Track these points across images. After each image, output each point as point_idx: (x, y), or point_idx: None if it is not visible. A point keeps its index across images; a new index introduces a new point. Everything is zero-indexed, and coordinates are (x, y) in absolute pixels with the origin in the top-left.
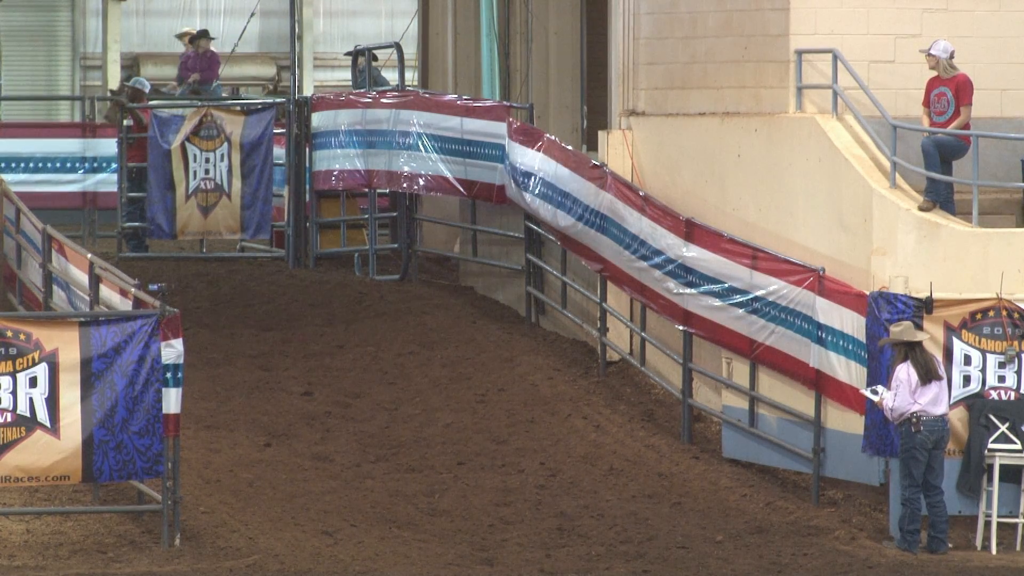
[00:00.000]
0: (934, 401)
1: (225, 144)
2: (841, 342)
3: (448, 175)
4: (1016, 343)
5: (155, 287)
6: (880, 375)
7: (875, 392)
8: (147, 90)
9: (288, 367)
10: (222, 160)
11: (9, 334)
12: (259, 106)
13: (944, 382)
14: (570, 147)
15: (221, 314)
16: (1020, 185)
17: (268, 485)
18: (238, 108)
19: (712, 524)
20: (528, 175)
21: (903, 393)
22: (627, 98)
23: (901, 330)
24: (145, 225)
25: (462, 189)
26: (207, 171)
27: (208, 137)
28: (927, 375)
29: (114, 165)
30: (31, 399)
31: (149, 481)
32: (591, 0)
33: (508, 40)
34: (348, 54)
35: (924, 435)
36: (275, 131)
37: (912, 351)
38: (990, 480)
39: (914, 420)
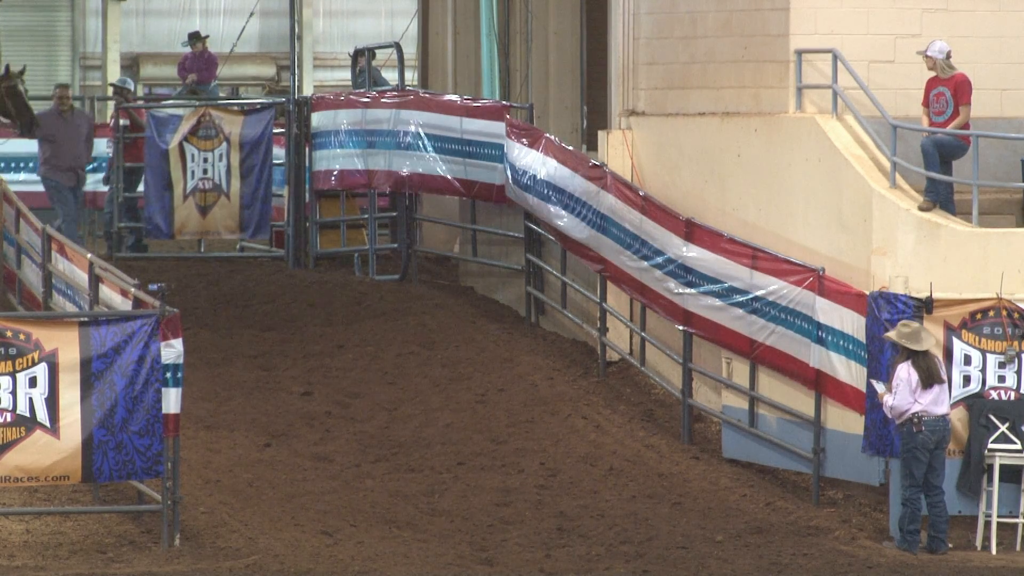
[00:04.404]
0: (935, 401)
1: (224, 144)
2: (841, 342)
3: (448, 175)
4: (1016, 343)
5: (155, 287)
6: (880, 375)
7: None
8: (131, 88)
9: (288, 367)
10: (221, 160)
11: (9, 334)
12: (258, 106)
13: (945, 383)
14: (570, 147)
15: (221, 314)
16: (1020, 185)
17: (268, 485)
18: (237, 108)
19: (712, 524)
20: (528, 175)
21: (903, 392)
22: (627, 98)
23: (909, 332)
24: (137, 225)
25: (462, 189)
26: (205, 171)
27: (206, 137)
28: (929, 379)
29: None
30: (31, 399)
31: (149, 481)
32: (591, 0)
33: (508, 40)
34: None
35: (926, 435)
36: (275, 131)
37: (915, 353)
38: (990, 480)
39: (915, 420)
